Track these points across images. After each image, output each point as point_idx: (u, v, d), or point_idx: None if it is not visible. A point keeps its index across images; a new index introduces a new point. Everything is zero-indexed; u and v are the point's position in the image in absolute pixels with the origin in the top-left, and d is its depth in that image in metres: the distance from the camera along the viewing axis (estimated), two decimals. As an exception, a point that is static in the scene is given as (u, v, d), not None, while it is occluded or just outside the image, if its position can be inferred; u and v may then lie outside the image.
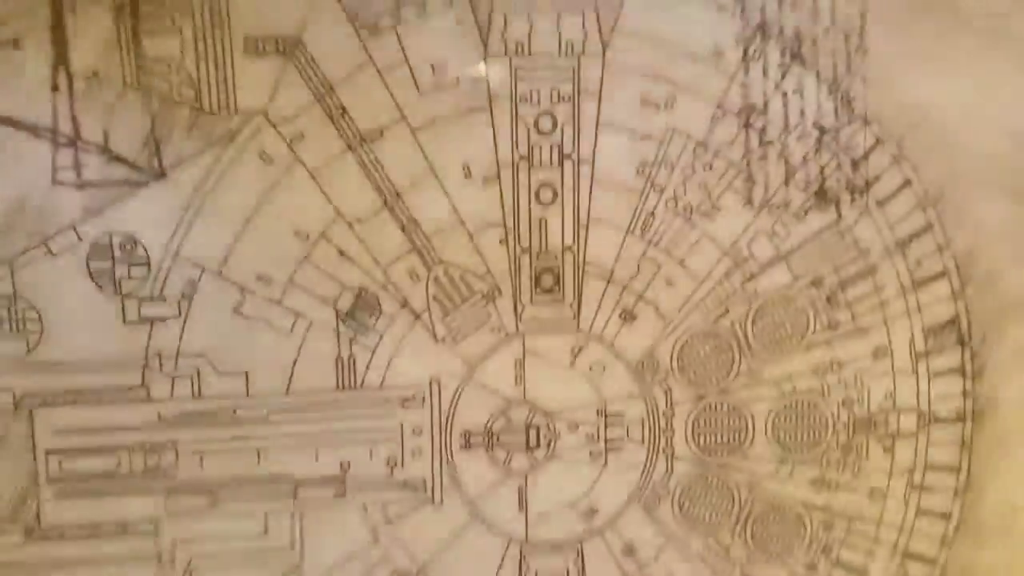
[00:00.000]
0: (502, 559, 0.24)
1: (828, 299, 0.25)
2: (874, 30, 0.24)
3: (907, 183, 0.24)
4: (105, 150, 0.22)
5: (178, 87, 0.22)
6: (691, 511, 0.25)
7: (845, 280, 0.25)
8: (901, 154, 0.24)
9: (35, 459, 0.23)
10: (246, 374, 0.23)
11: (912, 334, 0.25)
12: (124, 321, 0.22)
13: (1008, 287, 0.25)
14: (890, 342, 0.25)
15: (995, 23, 0.23)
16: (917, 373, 0.25)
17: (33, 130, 0.22)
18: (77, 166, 0.22)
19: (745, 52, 0.23)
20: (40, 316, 0.22)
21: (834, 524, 0.25)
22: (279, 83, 0.22)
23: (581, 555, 0.25)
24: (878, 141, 0.24)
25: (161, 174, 0.22)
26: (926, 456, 0.25)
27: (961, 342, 0.25)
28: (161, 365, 0.23)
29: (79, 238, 0.22)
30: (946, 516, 0.26)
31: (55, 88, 0.22)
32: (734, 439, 0.25)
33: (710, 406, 0.25)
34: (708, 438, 0.25)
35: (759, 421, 0.25)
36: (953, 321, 0.25)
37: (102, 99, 0.22)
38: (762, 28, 0.23)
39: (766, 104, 0.24)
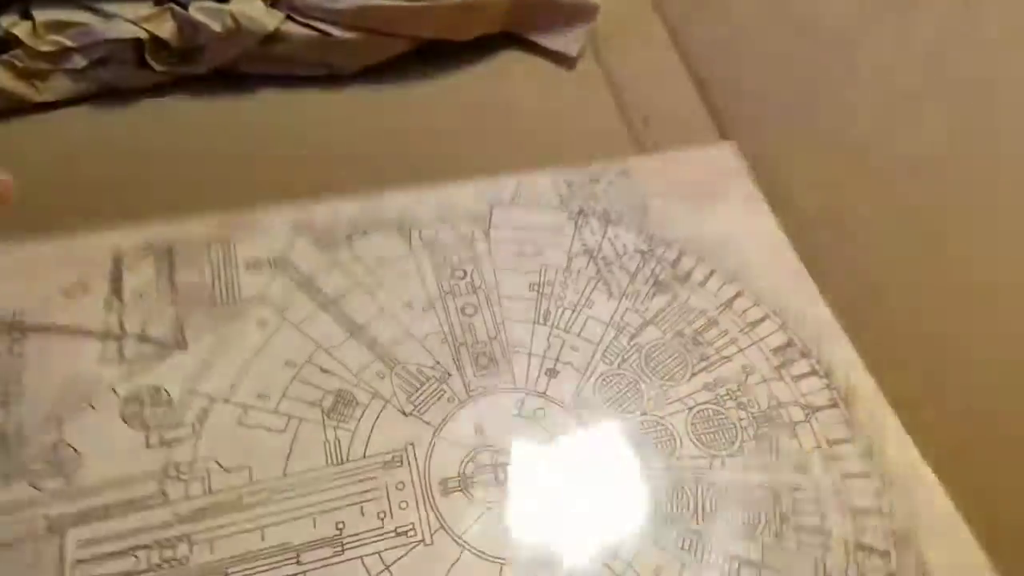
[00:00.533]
0: (499, 581, 0.26)
1: (693, 342, 0.33)
2: (650, 202, 0.38)
3: (713, 272, 0.36)
4: (143, 338, 0.31)
5: (198, 295, 0.32)
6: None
7: (698, 330, 0.33)
8: (701, 256, 0.36)
9: (64, 572, 0.25)
10: (249, 468, 0.28)
11: (765, 354, 0.33)
12: (147, 446, 0.28)
13: (814, 315, 0.34)
14: (751, 362, 0.33)
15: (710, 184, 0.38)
16: (783, 379, 0.32)
17: (87, 333, 0.31)
18: (120, 351, 0.31)
19: (576, 224, 0.37)
20: (78, 454, 0.28)
21: (781, 496, 0.29)
22: (272, 283, 0.33)
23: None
24: (681, 253, 0.36)
25: (183, 346, 0.31)
26: (824, 433, 0.31)
27: (803, 355, 0.33)
28: (178, 474, 0.28)
29: (116, 395, 0.29)
30: (867, 475, 0.30)
31: (108, 308, 0.32)
32: (667, 445, 0.30)
33: (635, 423, 0.31)
34: (644, 446, 0.30)
35: (679, 428, 0.30)
36: (791, 343, 0.33)
37: (142, 312, 0.32)
38: (582, 211, 0.37)
39: (600, 245, 0.36)
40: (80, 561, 0.25)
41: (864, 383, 0.32)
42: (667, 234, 0.36)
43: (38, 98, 0.37)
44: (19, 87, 0.36)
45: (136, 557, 0.25)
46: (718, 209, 0.37)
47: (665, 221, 0.36)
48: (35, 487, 0.26)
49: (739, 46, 0.44)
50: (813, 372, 0.32)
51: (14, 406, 0.28)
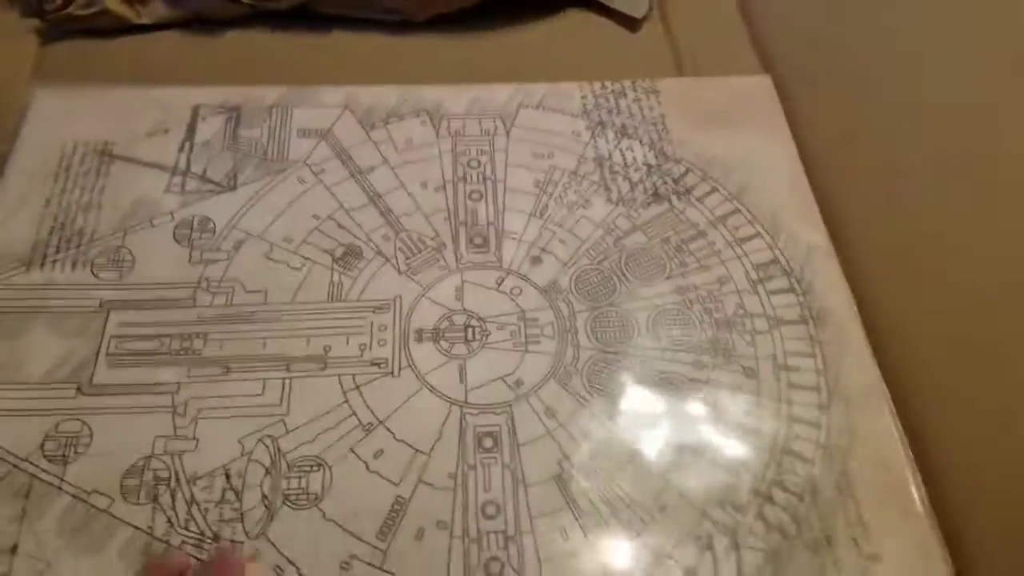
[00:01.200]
0: (447, 416, 0.31)
1: (676, 249, 0.36)
2: (669, 121, 0.40)
3: (714, 189, 0.38)
4: (204, 178, 0.37)
5: (254, 150, 0.38)
6: (597, 383, 0.32)
7: (685, 239, 0.36)
8: (706, 175, 0.38)
9: (101, 341, 0.32)
10: (265, 291, 0.33)
11: (745, 268, 0.35)
12: (190, 262, 0.34)
13: (808, 238, 0.36)
14: (730, 273, 0.35)
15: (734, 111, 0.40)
16: (758, 293, 0.34)
17: (160, 167, 0.37)
18: (183, 184, 0.37)
19: (592, 133, 0.40)
20: (134, 258, 0.34)
21: (719, 394, 0.32)
22: (315, 149, 0.38)
23: (511, 414, 0.31)
24: (687, 170, 0.38)
25: (233, 188, 0.37)
26: (783, 345, 0.33)
27: (785, 272, 0.35)
28: (208, 286, 0.34)
29: (172, 218, 0.35)
30: (816, 389, 0.32)
31: (181, 149, 0.38)
32: (623, 335, 0.33)
33: (602, 313, 0.34)
34: (603, 334, 0.33)
35: (641, 322, 0.33)
36: (775, 260, 0.35)
37: (207, 157, 0.38)
38: (600, 123, 0.40)
39: (610, 154, 0.39)
40: (116, 336, 0.31)
41: (841, 305, 0.33)
42: (678, 151, 0.38)
43: (137, 20, 0.42)
44: (123, 9, 0.42)
45: (160, 341, 0.31)
46: (737, 133, 0.39)
47: (679, 139, 0.39)
48: (95, 275, 0.33)
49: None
50: (791, 289, 0.34)
51: (94, 212, 0.34)
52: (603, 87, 0.40)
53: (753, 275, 0.34)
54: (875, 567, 0.27)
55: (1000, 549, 0.28)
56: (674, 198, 0.37)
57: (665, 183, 0.37)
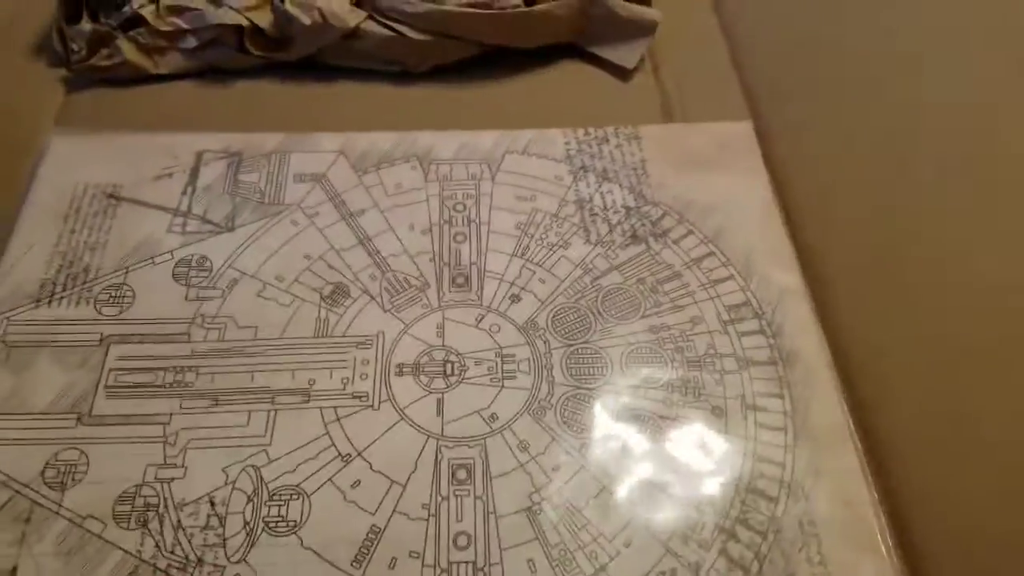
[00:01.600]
0: (423, 448, 0.32)
1: (651, 290, 0.37)
2: (650, 166, 0.42)
3: (690, 232, 0.39)
4: (204, 219, 0.39)
5: (251, 195, 0.40)
6: (570, 417, 0.33)
7: (660, 280, 0.37)
8: (683, 218, 0.40)
9: (100, 373, 0.34)
10: (256, 328, 0.35)
11: (717, 309, 0.37)
12: (186, 299, 0.36)
13: (780, 281, 0.37)
14: (702, 314, 0.36)
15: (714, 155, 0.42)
16: (728, 334, 0.36)
17: (164, 209, 0.39)
18: (184, 225, 0.39)
19: (574, 177, 0.41)
20: (134, 294, 0.36)
21: (688, 431, 0.33)
22: (309, 193, 0.40)
23: (485, 447, 0.32)
24: (664, 213, 0.40)
25: (231, 229, 0.39)
26: (752, 386, 0.34)
27: (757, 315, 0.37)
28: (202, 322, 0.35)
29: (172, 257, 0.38)
30: (782, 429, 0.33)
31: (184, 192, 0.40)
32: (597, 371, 0.35)
33: (577, 350, 0.35)
34: (578, 370, 0.35)
35: (614, 359, 0.35)
36: (747, 303, 0.37)
37: (207, 199, 0.40)
38: (582, 167, 0.42)
39: (591, 198, 0.41)
40: (115, 369, 0.33)
41: (810, 347, 0.35)
42: (657, 195, 0.40)
43: (155, 70, 0.45)
44: (141, 60, 0.44)
45: (155, 374, 0.33)
46: (715, 177, 0.40)
47: (659, 184, 0.40)
48: (98, 311, 0.35)
49: (790, 47, 0.46)
50: (760, 331, 0.35)
51: (99, 250, 0.37)
52: (587, 133, 0.42)
53: (725, 316, 0.36)
54: (835, 606, 0.28)
55: None
56: (651, 240, 0.38)
57: (643, 225, 0.39)
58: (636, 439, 0.32)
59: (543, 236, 0.38)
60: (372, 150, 0.41)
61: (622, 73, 0.47)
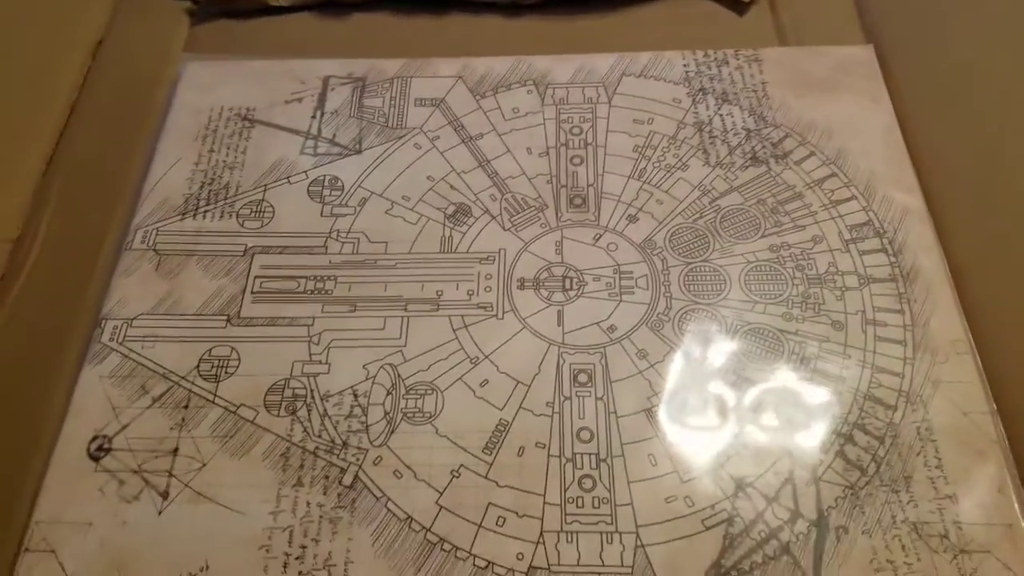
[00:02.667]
0: (545, 354, 0.36)
1: (772, 210, 0.39)
2: (770, 88, 0.44)
3: (812, 154, 0.41)
4: (333, 142, 0.43)
5: (376, 119, 0.44)
6: (689, 329, 0.36)
7: (781, 201, 0.40)
8: (805, 140, 0.42)
9: (246, 280, 0.38)
10: (386, 243, 0.39)
11: (839, 229, 0.38)
12: (321, 215, 0.40)
13: (903, 202, 0.39)
14: (824, 233, 0.38)
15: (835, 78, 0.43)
16: (850, 252, 0.38)
17: (296, 132, 0.43)
18: (315, 148, 0.43)
19: (693, 100, 0.44)
20: (273, 209, 0.41)
21: (807, 344, 0.35)
22: (430, 117, 0.44)
23: (605, 355, 0.35)
24: (786, 135, 0.42)
25: (359, 152, 0.43)
26: (872, 302, 0.36)
27: (878, 233, 0.38)
28: (337, 236, 0.40)
29: (306, 176, 0.42)
30: (901, 343, 0.35)
31: (313, 116, 0.44)
32: (716, 289, 0.37)
33: (696, 268, 0.38)
34: (696, 287, 0.37)
35: (733, 277, 0.37)
36: (869, 222, 0.39)
37: (336, 123, 0.44)
38: (701, 90, 0.44)
39: (710, 120, 0.43)
40: (259, 277, 0.38)
41: (931, 265, 0.36)
42: (778, 117, 0.42)
43: (275, 2, 0.49)
44: None
45: (297, 282, 0.37)
46: (837, 100, 0.42)
47: (780, 106, 0.42)
48: (240, 224, 0.39)
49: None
50: (882, 250, 0.37)
51: (237, 170, 0.41)
52: (706, 55, 0.44)
53: (846, 235, 0.38)
54: (951, 506, 0.30)
55: None
56: (772, 161, 0.40)
57: (764, 147, 0.41)
58: (755, 350, 0.34)
59: (660, 158, 0.41)
60: (489, 75, 0.44)
61: (738, 6, 0.48)
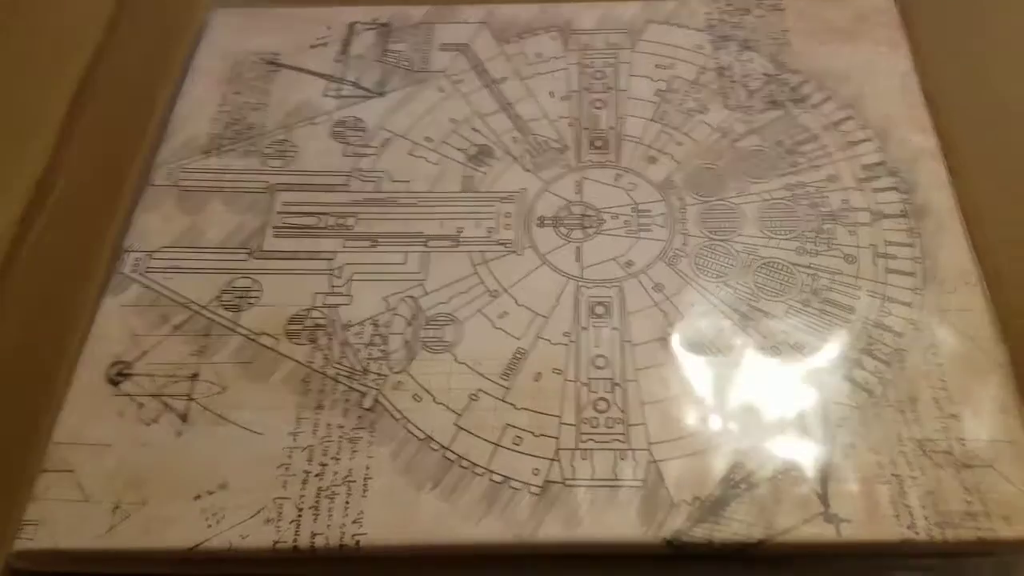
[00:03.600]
0: (563, 288, 0.38)
1: (788, 151, 0.41)
2: (791, 35, 0.45)
3: (829, 98, 0.43)
4: (357, 85, 0.45)
5: (399, 63, 0.46)
6: (704, 264, 0.38)
7: (798, 142, 0.41)
8: (823, 85, 0.43)
9: (268, 215, 0.40)
10: (408, 182, 0.41)
11: (853, 169, 0.40)
12: (344, 155, 0.43)
13: (916, 144, 0.40)
14: (838, 173, 0.40)
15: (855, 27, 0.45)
16: (863, 190, 0.39)
17: (320, 75, 0.46)
18: (338, 90, 0.45)
19: (715, 46, 0.45)
20: (297, 149, 0.43)
21: (819, 276, 0.37)
22: (454, 61, 0.46)
23: (622, 288, 0.37)
24: (804, 80, 0.44)
25: (382, 94, 0.45)
26: (884, 237, 0.38)
27: (892, 173, 0.40)
28: (359, 175, 0.42)
29: (330, 118, 0.44)
30: (911, 274, 0.37)
31: (337, 60, 0.46)
32: (731, 225, 0.39)
33: (713, 206, 0.40)
34: (713, 224, 0.39)
35: (750, 214, 0.39)
36: (883, 162, 0.40)
37: (360, 67, 0.46)
38: (724, 37, 0.46)
39: (731, 66, 0.45)
40: (281, 213, 0.40)
41: (942, 201, 0.38)
42: (798, 63, 0.44)
43: None
44: None
45: (319, 218, 0.40)
46: (856, 47, 0.44)
47: (800, 52, 0.44)
48: (264, 163, 0.42)
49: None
50: (895, 188, 0.39)
51: (262, 111, 0.43)
52: (729, 4, 0.46)
53: (860, 174, 0.39)
54: (955, 424, 0.32)
55: None
56: (790, 105, 0.42)
57: (782, 91, 0.43)
58: (768, 283, 0.36)
59: (681, 102, 0.43)
60: (514, 21, 0.46)
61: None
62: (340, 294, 0.37)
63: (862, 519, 0.30)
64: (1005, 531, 0.30)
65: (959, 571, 0.31)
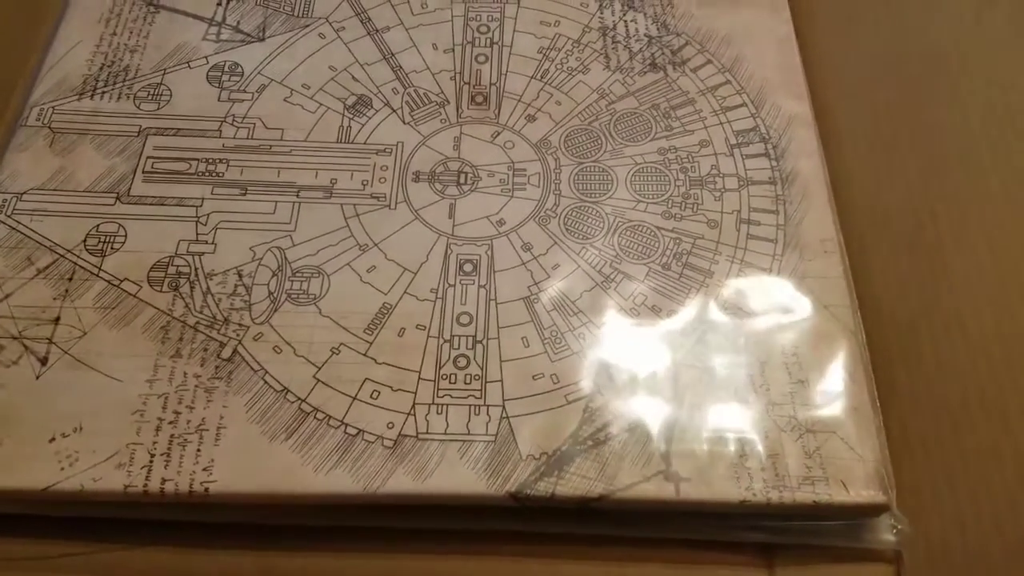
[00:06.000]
0: (433, 244, 0.37)
1: (664, 115, 0.41)
2: (677, -2, 0.45)
3: (708, 62, 0.42)
4: (237, 29, 0.43)
5: (282, 7, 0.44)
6: (573, 226, 0.37)
7: (674, 106, 0.41)
8: (703, 48, 0.43)
9: (138, 160, 0.39)
10: (282, 130, 0.40)
11: (726, 134, 0.40)
12: (219, 100, 0.41)
13: (789, 110, 0.40)
14: (711, 138, 0.40)
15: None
16: (733, 156, 0.39)
17: (200, 18, 0.43)
18: (218, 34, 0.43)
19: (600, 5, 0.44)
20: (171, 93, 0.41)
21: (682, 240, 0.37)
22: (337, 8, 0.44)
23: (491, 247, 0.37)
24: (686, 43, 0.43)
25: (262, 39, 0.43)
26: (749, 203, 0.38)
27: (763, 139, 0.40)
28: (232, 121, 0.40)
29: (207, 62, 0.42)
30: (772, 240, 0.37)
31: (218, 3, 0.44)
32: (603, 188, 0.39)
33: (587, 168, 0.39)
34: (584, 186, 0.39)
35: (621, 177, 0.39)
36: (755, 128, 0.40)
37: (240, 11, 0.44)
38: (610, -4, 0.45)
39: (615, 25, 0.44)
40: (151, 157, 0.38)
41: (811, 169, 0.38)
42: (680, 26, 0.43)
43: None
44: None
45: (189, 164, 0.38)
46: (738, 11, 0.43)
47: (683, 15, 0.43)
48: (137, 106, 0.39)
49: None
50: (765, 154, 0.39)
51: (139, 53, 0.41)
52: (616, -37, 0.45)
53: (732, 140, 0.39)
54: (802, 390, 0.32)
55: (932, 391, 0.33)
56: (669, 68, 0.42)
57: (663, 54, 0.42)
58: (630, 244, 0.36)
59: (563, 61, 0.42)
60: (400, -30, 0.44)
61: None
62: (205, 242, 0.36)
63: (702, 479, 0.31)
64: (842, 496, 0.31)
65: (814, 533, 0.32)
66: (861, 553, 0.31)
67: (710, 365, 0.33)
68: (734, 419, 0.32)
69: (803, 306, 0.35)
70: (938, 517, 0.31)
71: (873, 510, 0.30)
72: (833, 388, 0.33)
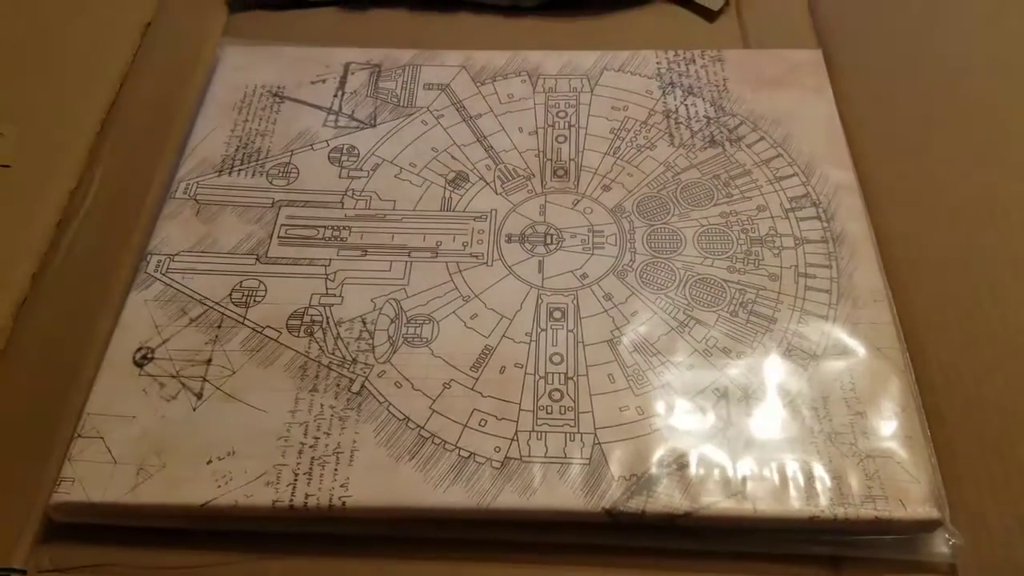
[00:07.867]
0: (526, 295, 0.41)
1: (724, 184, 0.45)
2: (730, 83, 0.50)
3: (761, 138, 0.47)
4: (352, 117, 0.49)
5: (389, 99, 0.50)
6: (648, 278, 0.42)
7: (733, 176, 0.46)
8: (756, 127, 0.48)
9: (274, 227, 0.44)
10: (394, 201, 0.45)
11: (781, 200, 0.44)
12: (339, 177, 0.46)
13: (837, 178, 0.45)
14: (767, 203, 0.44)
15: (786, 76, 0.49)
16: (788, 219, 0.44)
17: (319, 107, 0.49)
18: (336, 121, 0.49)
19: (663, 91, 0.50)
20: (298, 171, 0.46)
21: (746, 291, 0.41)
22: (436, 99, 0.50)
23: (576, 297, 0.41)
24: (741, 123, 0.48)
25: (373, 126, 0.49)
26: (805, 259, 0.42)
27: (814, 204, 0.44)
28: (352, 194, 0.45)
29: (327, 145, 0.48)
30: (827, 291, 0.41)
31: (335, 95, 0.50)
32: (673, 246, 0.43)
33: (657, 229, 0.44)
34: (657, 244, 0.43)
35: (688, 237, 0.43)
36: (807, 195, 0.45)
37: (354, 101, 0.50)
38: (671, 83, 0.50)
39: (676, 109, 0.49)
40: (284, 224, 0.43)
41: (858, 229, 0.42)
42: (735, 108, 0.48)
43: None
44: None
45: (317, 230, 0.43)
46: (787, 94, 0.48)
47: (737, 98, 0.48)
48: (270, 182, 0.45)
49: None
50: (816, 217, 0.43)
51: (268, 137, 0.47)
52: (676, 55, 0.50)
53: (787, 205, 0.44)
54: (860, 420, 0.36)
55: (975, 420, 0.36)
56: (727, 144, 0.46)
57: (721, 132, 0.47)
58: (700, 294, 0.40)
59: (633, 139, 0.47)
60: (489, 65, 0.50)
61: (708, 14, 0.55)
62: (334, 295, 0.41)
63: (775, 498, 0.34)
64: (900, 512, 0.34)
65: (875, 547, 0.34)
66: (918, 565, 0.34)
67: (777, 399, 0.36)
68: (801, 446, 0.35)
69: (857, 348, 0.38)
70: (987, 533, 0.33)
71: (928, 525, 0.33)
72: (887, 419, 0.36)
